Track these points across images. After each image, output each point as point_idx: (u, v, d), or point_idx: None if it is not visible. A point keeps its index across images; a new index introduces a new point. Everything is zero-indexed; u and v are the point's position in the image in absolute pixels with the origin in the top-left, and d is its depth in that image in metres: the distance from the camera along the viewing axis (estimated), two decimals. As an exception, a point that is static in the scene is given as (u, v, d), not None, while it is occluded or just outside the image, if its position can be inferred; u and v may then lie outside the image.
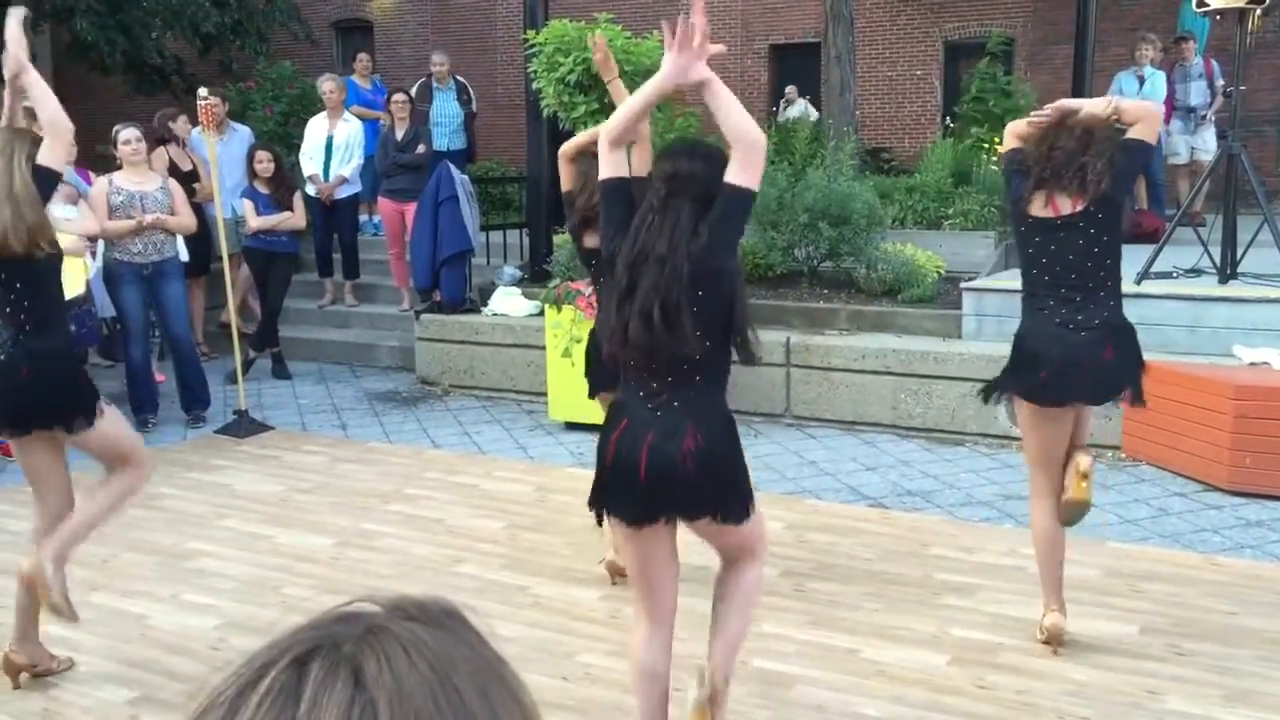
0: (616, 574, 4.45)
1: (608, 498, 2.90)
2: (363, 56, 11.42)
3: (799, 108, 12.80)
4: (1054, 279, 3.77)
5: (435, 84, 10.71)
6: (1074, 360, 3.71)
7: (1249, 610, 4.24)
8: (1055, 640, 3.89)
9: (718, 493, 2.86)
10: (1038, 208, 3.77)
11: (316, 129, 9.52)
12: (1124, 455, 6.21)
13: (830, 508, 5.53)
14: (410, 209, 8.80)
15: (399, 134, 9.20)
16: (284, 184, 8.45)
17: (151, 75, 14.34)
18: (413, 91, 11.11)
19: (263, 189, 8.32)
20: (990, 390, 3.98)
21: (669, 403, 2.80)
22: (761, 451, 6.53)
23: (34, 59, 3.68)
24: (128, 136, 6.95)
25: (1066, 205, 3.72)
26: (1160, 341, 6.39)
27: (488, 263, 9.18)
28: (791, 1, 15.21)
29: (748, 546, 3.05)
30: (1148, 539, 5.08)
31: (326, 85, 9.63)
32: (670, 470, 2.76)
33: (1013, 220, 3.95)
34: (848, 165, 8.39)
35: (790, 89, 12.76)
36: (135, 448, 3.92)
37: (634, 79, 7.08)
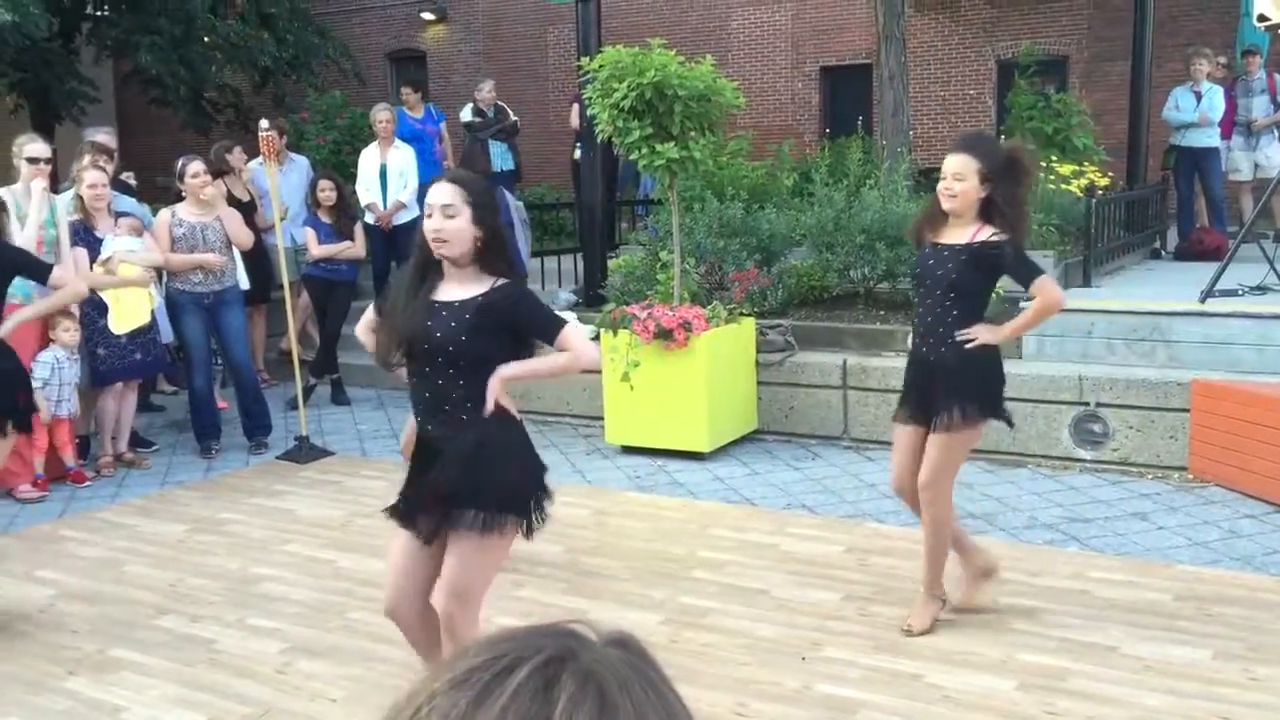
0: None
1: None
2: (405, 89, 11.51)
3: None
4: None
5: (484, 109, 11.19)
6: None
7: (1326, 635, 4.15)
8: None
9: None
10: None
11: (369, 159, 9.62)
12: (1191, 476, 6.09)
13: (891, 531, 5.48)
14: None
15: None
16: (345, 213, 8.56)
17: (208, 109, 14.64)
18: (465, 114, 11.34)
19: (325, 218, 8.44)
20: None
21: None
22: (819, 474, 6.49)
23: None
24: (196, 169, 7.08)
25: None
26: (1227, 360, 6.26)
27: (542, 288, 9.23)
28: (842, 23, 15.21)
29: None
30: (1218, 561, 4.97)
31: (382, 115, 9.75)
32: None
33: None
34: (902, 185, 8.33)
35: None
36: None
37: (687, 104, 7.12)
